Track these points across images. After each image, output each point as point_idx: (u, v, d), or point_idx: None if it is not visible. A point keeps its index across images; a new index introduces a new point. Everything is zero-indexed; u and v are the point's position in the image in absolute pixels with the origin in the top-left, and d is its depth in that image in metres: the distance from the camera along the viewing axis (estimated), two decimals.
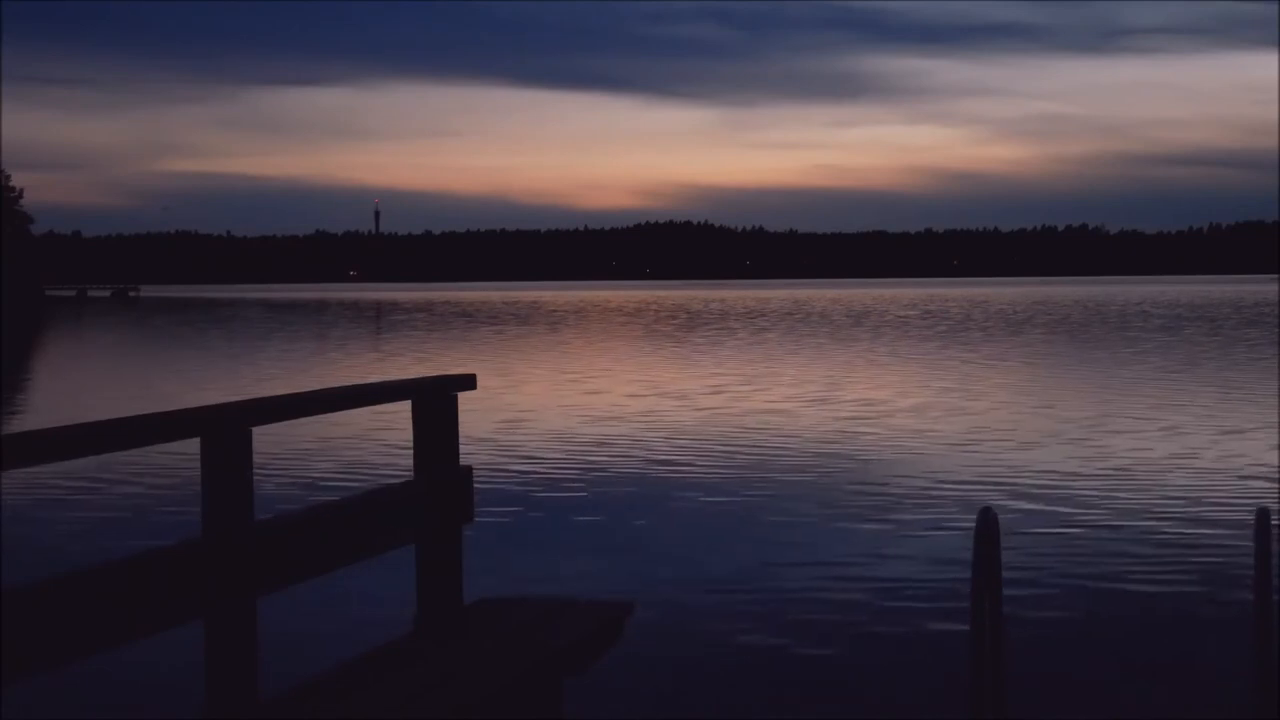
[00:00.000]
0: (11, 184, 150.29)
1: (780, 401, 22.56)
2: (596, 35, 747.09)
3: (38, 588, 3.75)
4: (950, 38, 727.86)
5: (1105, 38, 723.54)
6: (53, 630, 3.75)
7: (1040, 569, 9.67)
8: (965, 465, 14.90)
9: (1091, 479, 13.76)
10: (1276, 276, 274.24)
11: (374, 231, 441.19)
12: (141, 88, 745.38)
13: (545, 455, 16.04)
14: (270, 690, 4.64)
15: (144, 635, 4.08)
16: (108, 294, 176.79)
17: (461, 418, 5.89)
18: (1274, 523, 5.44)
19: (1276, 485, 13.14)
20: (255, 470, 4.56)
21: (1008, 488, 13.26)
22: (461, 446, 5.86)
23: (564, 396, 24.28)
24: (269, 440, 10.57)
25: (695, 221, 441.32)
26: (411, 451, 5.75)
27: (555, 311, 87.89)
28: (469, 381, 5.96)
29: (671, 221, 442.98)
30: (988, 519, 4.39)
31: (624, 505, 12.66)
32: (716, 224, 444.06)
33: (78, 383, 30.53)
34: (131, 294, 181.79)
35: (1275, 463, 14.64)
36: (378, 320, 74.00)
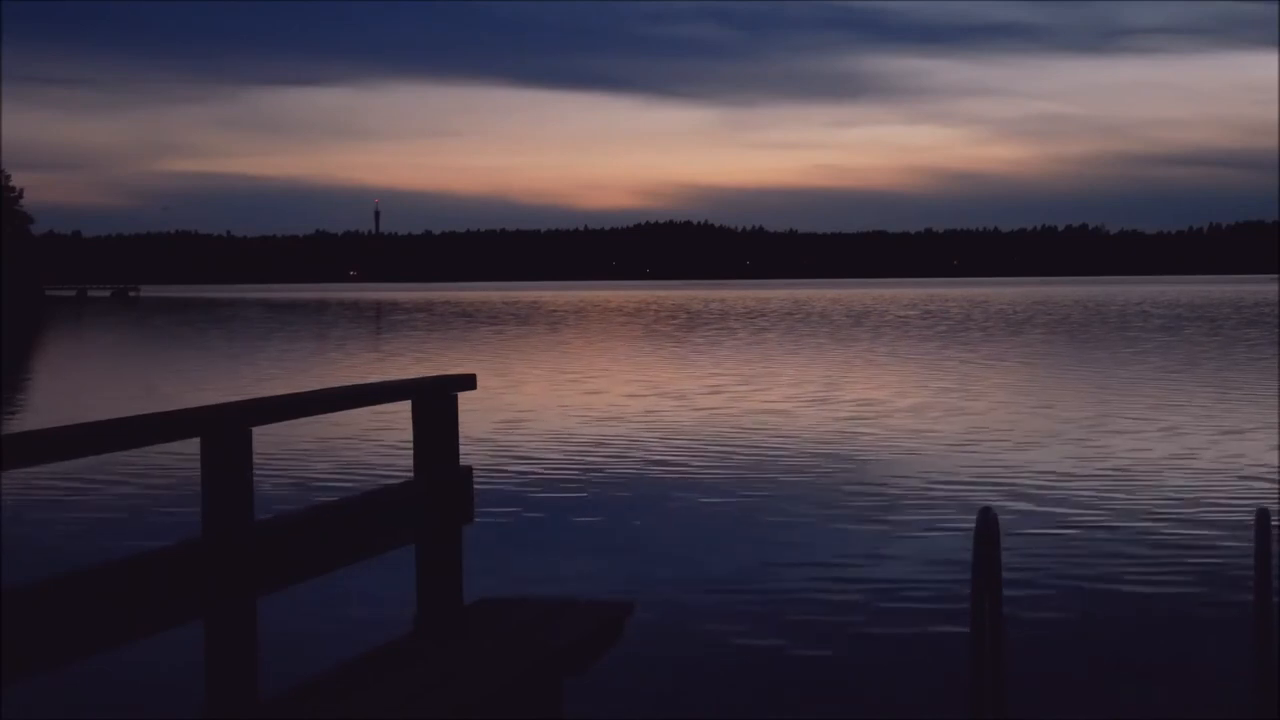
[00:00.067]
0: (11, 184, 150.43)
1: (780, 402, 22.56)
2: (596, 35, 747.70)
3: (38, 588, 3.75)
4: (950, 38, 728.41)
5: (1105, 38, 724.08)
6: (53, 630, 3.75)
7: (1040, 569, 9.67)
8: (964, 465, 14.91)
9: (1091, 479, 13.76)
10: (1276, 276, 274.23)
11: (374, 231, 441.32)
12: (141, 88, 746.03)
13: (545, 455, 16.04)
14: (270, 690, 4.65)
15: (144, 635, 4.08)
16: (108, 294, 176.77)
17: (461, 418, 5.89)
18: (1274, 523, 5.44)
19: (1276, 485, 13.14)
20: (255, 470, 4.56)
21: (1007, 488, 13.26)
22: (461, 446, 5.86)
23: (564, 397, 24.28)
24: (269, 440, 10.57)
25: (695, 221, 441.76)
26: (411, 451, 5.76)
27: (555, 311, 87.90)
28: (469, 381, 5.96)
29: (671, 221, 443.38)
30: (988, 519, 4.39)
31: (624, 505, 12.66)
32: (716, 224, 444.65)
33: (78, 383, 30.53)
34: (131, 294, 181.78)
35: (1275, 463, 14.64)
36: (378, 320, 74.00)
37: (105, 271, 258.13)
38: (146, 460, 14.02)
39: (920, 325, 57.13)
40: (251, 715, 4.41)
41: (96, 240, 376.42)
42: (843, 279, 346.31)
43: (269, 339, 51.27)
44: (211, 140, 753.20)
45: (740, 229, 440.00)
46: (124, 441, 4.20)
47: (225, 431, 4.42)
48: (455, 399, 5.77)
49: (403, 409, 5.99)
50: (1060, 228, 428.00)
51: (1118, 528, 11.20)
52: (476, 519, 6.11)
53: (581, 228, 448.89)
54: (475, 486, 5.95)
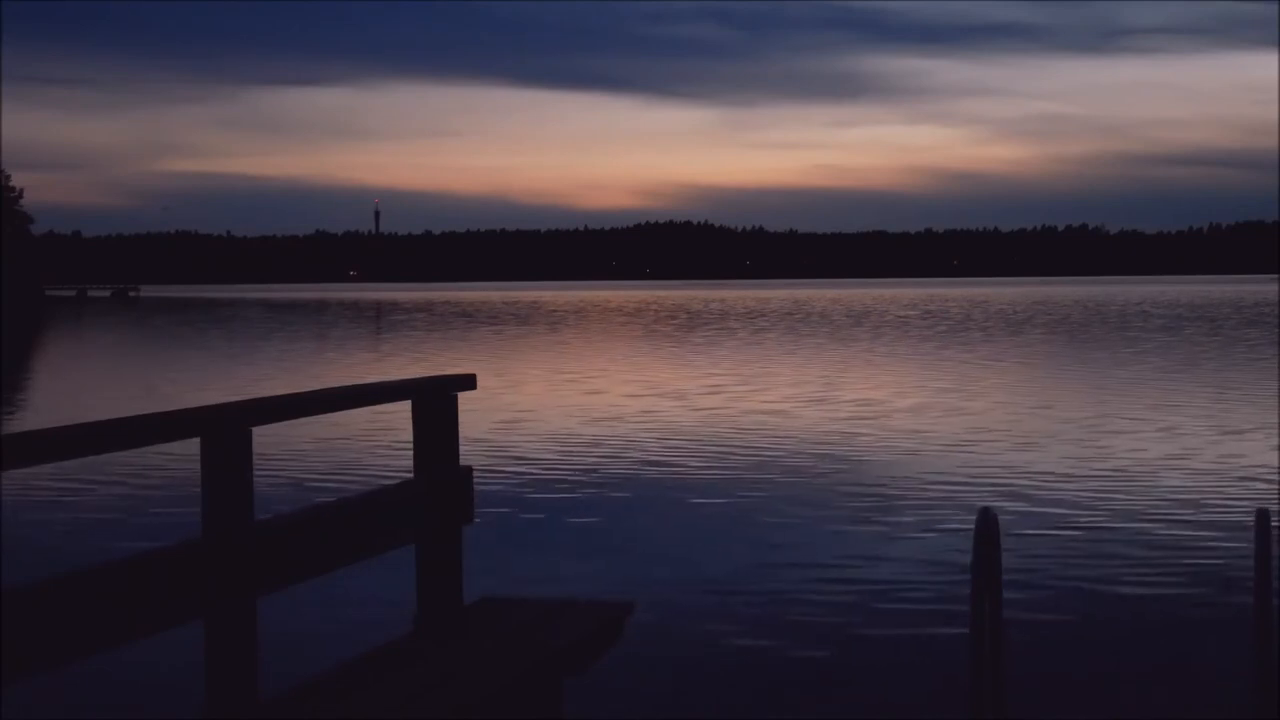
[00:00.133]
0: (11, 184, 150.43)
1: (780, 402, 22.57)
2: (596, 35, 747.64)
3: (38, 588, 3.75)
4: (950, 38, 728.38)
5: (1105, 38, 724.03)
6: (53, 630, 3.75)
7: (1039, 570, 9.67)
8: (964, 466, 14.91)
9: (1091, 480, 13.76)
10: (1276, 276, 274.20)
11: (374, 231, 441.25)
12: (141, 88, 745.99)
13: (545, 455, 16.04)
14: (270, 690, 4.65)
15: (144, 635, 4.08)
16: (108, 294, 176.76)
17: (461, 418, 5.89)
18: (1274, 523, 5.44)
19: (1276, 485, 13.14)
20: (255, 470, 4.56)
21: (1006, 488, 13.26)
22: (461, 446, 5.87)
23: (564, 397, 24.28)
24: (269, 440, 10.56)
25: (695, 221, 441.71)
26: (411, 451, 5.76)
27: (555, 311, 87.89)
28: (469, 381, 5.97)
29: (671, 221, 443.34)
30: (987, 519, 4.39)
31: (623, 505, 12.66)
32: (716, 224, 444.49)
33: (78, 383, 30.53)
34: (131, 294, 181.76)
35: (1275, 463, 14.64)
36: (377, 320, 74.00)
37: (105, 271, 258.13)
38: (146, 460, 14.02)
39: (920, 325, 57.13)
40: (251, 715, 4.41)
41: (96, 240, 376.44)
42: (843, 279, 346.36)
43: (269, 339, 51.27)
44: (211, 140, 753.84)
45: (740, 229, 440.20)
46: (124, 441, 4.20)
47: (225, 431, 4.43)
48: (455, 399, 5.77)
49: (402, 409, 5.99)
50: (1060, 228, 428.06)
51: (1117, 528, 11.20)
52: (476, 519, 6.11)
53: (581, 228, 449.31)
54: (475, 486, 5.95)
